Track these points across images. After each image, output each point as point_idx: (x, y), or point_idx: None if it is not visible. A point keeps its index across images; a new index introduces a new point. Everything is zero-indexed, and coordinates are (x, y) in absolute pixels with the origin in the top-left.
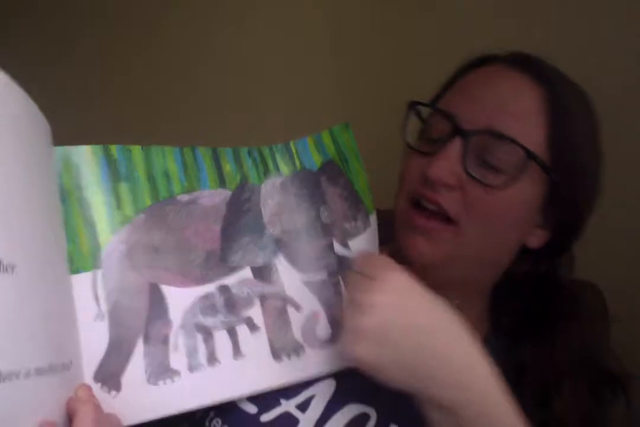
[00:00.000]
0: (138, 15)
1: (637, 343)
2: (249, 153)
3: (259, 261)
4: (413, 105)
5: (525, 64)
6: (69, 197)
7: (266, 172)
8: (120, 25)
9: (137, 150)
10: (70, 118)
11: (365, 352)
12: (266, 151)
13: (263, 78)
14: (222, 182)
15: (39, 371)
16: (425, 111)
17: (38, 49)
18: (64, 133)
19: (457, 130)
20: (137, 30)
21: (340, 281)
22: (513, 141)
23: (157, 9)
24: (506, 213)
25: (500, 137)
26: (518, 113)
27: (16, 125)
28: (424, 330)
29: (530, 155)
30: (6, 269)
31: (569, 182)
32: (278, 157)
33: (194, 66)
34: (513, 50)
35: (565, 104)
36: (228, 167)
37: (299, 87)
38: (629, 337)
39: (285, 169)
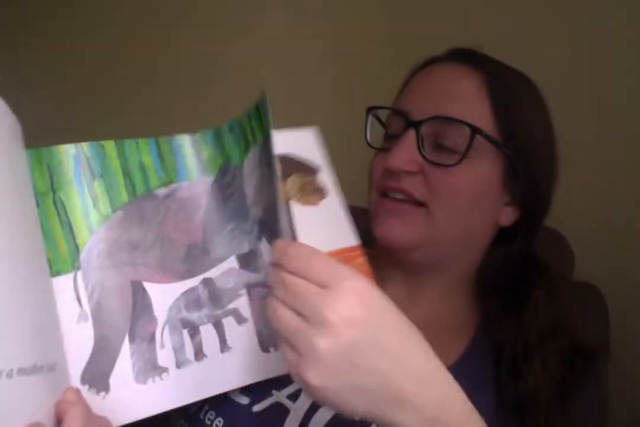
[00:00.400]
0: (139, 15)
1: (637, 343)
2: (231, 129)
3: (245, 247)
4: (371, 110)
5: (461, 55)
6: (43, 200)
7: (247, 146)
8: (121, 25)
9: (110, 146)
10: (68, 121)
11: (320, 380)
12: (245, 120)
13: (262, 81)
14: (202, 170)
15: (22, 372)
16: (384, 116)
17: (36, 50)
18: (62, 137)
19: (409, 123)
20: (138, 30)
21: None
22: (457, 120)
23: (154, 8)
24: (469, 191)
25: (446, 119)
26: (459, 96)
27: None
28: (391, 351)
29: (474, 130)
30: None
31: (523, 156)
32: (254, 123)
33: (194, 69)
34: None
35: (503, 82)
36: (207, 152)
37: (298, 91)
38: (629, 337)
39: (259, 134)
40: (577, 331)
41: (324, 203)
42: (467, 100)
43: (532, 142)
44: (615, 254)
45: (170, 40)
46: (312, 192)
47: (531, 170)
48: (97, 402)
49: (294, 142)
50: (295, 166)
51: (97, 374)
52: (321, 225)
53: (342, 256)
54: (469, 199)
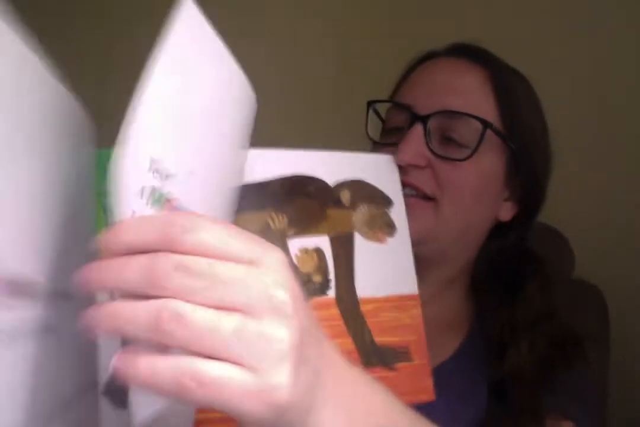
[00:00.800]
0: (136, 12)
1: (637, 343)
2: None
3: None
4: (371, 104)
5: (461, 50)
6: (95, 203)
7: None
8: (122, 24)
9: None
10: None
11: (292, 390)
12: None
13: (262, 80)
14: None
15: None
16: (382, 112)
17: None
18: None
19: (415, 117)
20: (137, 27)
21: None
22: (468, 115)
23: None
24: (476, 185)
25: (455, 113)
26: (465, 90)
27: (59, 125)
28: (321, 332)
29: (486, 124)
30: (64, 297)
31: (525, 149)
32: None
33: None
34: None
35: (504, 78)
36: None
37: (300, 90)
38: (629, 337)
39: None
40: (567, 320)
41: (391, 241)
42: (472, 94)
43: (533, 137)
44: (615, 254)
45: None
46: (380, 227)
47: (532, 164)
48: (112, 416)
49: (370, 167)
50: (366, 195)
51: (118, 388)
52: (382, 265)
53: (398, 303)
54: (476, 193)
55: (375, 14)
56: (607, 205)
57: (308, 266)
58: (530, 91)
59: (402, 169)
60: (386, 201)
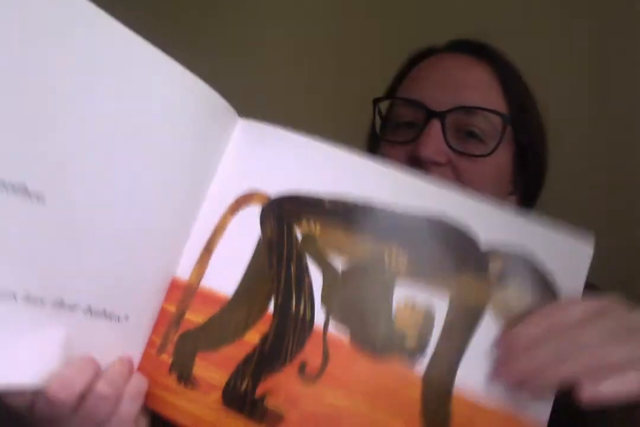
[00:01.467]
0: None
1: None
2: None
3: None
4: (377, 102)
5: (464, 46)
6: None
7: None
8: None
9: None
10: None
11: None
12: None
13: (263, 76)
14: None
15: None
16: (383, 108)
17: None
18: None
19: (431, 113)
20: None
21: None
22: (487, 110)
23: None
24: (492, 180)
25: (473, 109)
26: (477, 85)
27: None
28: None
29: (505, 119)
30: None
31: (532, 143)
32: None
33: (194, 65)
34: (451, 40)
35: (509, 72)
36: None
37: (300, 86)
38: None
39: None
40: None
41: None
42: (484, 89)
43: (537, 130)
44: (616, 254)
45: (172, 35)
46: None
47: (537, 158)
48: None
49: (549, 244)
50: (525, 277)
51: None
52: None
53: (509, 424)
54: (495, 188)
55: (375, 12)
56: (607, 204)
57: (407, 324)
58: (528, 85)
59: (422, 166)
60: (549, 296)
